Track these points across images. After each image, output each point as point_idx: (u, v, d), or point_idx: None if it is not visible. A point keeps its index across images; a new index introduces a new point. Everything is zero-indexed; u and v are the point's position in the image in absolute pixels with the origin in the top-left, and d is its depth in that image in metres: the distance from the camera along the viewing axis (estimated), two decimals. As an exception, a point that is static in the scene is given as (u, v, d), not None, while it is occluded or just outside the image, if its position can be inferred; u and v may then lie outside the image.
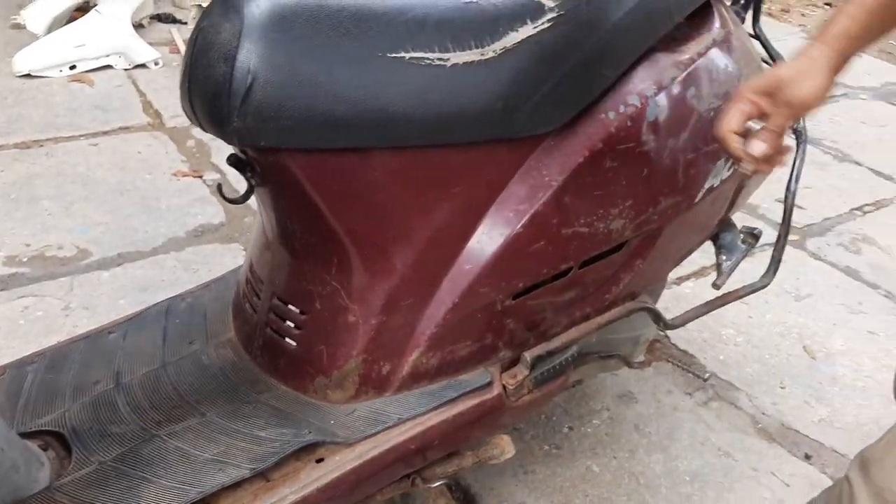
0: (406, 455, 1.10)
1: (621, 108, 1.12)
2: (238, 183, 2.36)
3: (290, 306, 1.13)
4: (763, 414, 1.84)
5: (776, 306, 2.23)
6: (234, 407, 1.12)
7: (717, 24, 1.25)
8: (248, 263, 1.23)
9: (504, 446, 1.22)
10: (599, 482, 1.60)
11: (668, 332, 2.06)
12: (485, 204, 1.08)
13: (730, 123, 1.02)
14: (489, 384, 1.15)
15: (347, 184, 1.01)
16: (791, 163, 1.42)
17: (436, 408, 1.12)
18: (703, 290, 2.23)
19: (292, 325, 1.14)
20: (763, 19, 1.45)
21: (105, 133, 2.73)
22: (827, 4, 5.42)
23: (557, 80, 1.04)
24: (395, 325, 1.09)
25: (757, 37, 1.42)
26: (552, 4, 1.02)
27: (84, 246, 2.20)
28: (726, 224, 1.44)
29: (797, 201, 2.72)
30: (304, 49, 0.92)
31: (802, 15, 5.29)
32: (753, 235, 1.42)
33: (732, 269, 1.38)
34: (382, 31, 0.95)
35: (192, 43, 0.94)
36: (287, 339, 1.14)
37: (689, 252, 1.34)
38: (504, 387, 1.16)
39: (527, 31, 1.01)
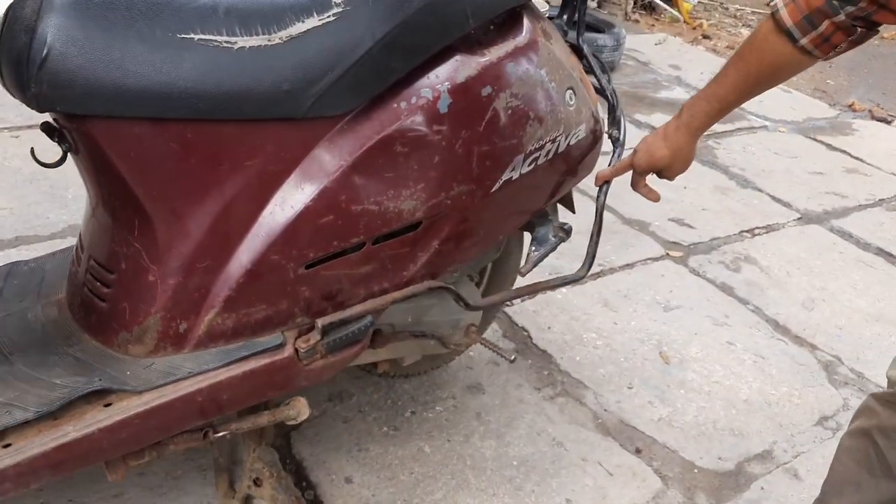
0: (194, 406, 1.18)
1: (413, 100, 1.23)
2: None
3: (102, 267, 1.23)
4: (605, 410, 1.95)
5: (643, 315, 2.34)
6: (42, 358, 1.21)
7: (523, 32, 1.37)
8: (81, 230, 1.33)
9: (300, 408, 1.31)
10: (428, 461, 1.69)
11: (529, 330, 2.17)
12: (279, 178, 1.19)
13: (637, 187, 1.48)
14: (281, 346, 1.24)
15: (144, 151, 1.11)
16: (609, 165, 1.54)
17: (227, 364, 1.21)
18: (575, 297, 2.35)
19: (102, 284, 1.23)
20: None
21: (29, 127, 2.82)
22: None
23: (344, 70, 1.15)
24: (192, 286, 1.19)
25: (580, 49, 1.54)
26: (338, 0, 1.13)
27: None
28: (542, 217, 1.55)
29: (688, 221, 2.87)
30: (98, 25, 1.02)
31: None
32: (564, 231, 1.53)
33: (539, 260, 1.49)
34: (174, 14, 1.06)
35: (4, 17, 1.04)
36: (97, 298, 1.24)
37: (496, 237, 1.44)
38: (296, 350, 1.25)
39: (312, 22, 1.12)
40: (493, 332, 2.15)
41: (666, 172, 1.42)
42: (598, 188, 1.54)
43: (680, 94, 4.38)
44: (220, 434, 1.26)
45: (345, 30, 1.14)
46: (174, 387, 1.18)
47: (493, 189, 1.34)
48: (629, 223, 2.87)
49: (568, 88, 1.44)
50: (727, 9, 7.03)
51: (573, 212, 1.74)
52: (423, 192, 1.27)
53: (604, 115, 1.59)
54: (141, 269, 1.19)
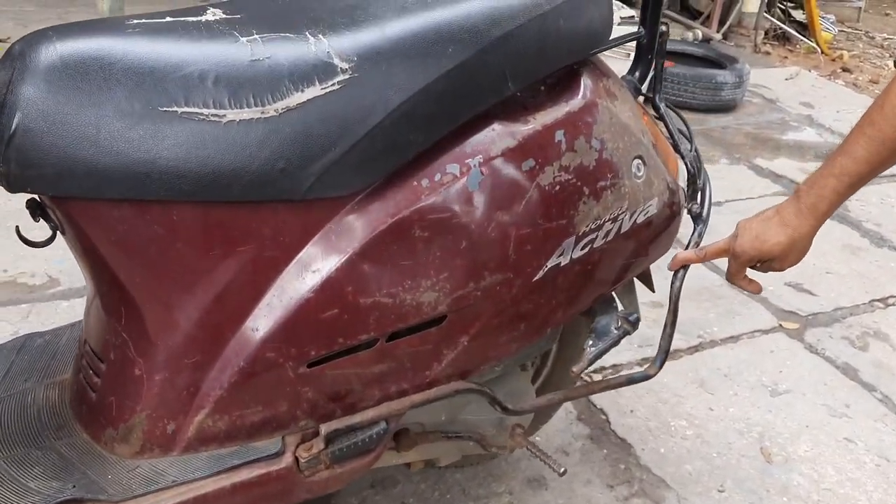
0: (176, 521, 1.05)
1: (436, 176, 1.06)
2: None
3: (95, 355, 1.12)
4: (688, 518, 1.68)
5: (745, 400, 2.05)
6: (25, 452, 1.11)
7: (579, 94, 1.17)
8: (89, 307, 1.24)
9: (304, 523, 1.15)
10: (471, 572, 1.49)
11: (608, 412, 1.93)
12: (276, 266, 1.04)
13: (737, 279, 1.32)
14: (279, 454, 1.09)
15: (126, 234, 0.99)
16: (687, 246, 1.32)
17: (216, 473, 1.07)
18: (665, 375, 2.09)
19: (94, 373, 1.12)
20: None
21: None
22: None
23: (350, 145, 0.99)
24: (180, 383, 1.06)
25: (658, 110, 1.33)
26: (345, 65, 0.98)
27: (56, 276, 2.28)
28: (605, 304, 1.33)
29: (808, 286, 2.54)
30: (72, 98, 0.91)
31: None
32: (630, 322, 1.30)
33: (596, 357, 1.27)
34: (156, 84, 0.93)
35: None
36: (90, 387, 1.13)
37: (542, 331, 1.23)
38: (297, 459, 1.09)
39: (314, 91, 0.97)
40: (565, 412, 1.93)
41: (776, 264, 1.22)
42: (672, 273, 1.31)
43: (810, 136, 3.99)
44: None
45: (352, 99, 0.98)
46: (154, 497, 1.05)
47: (536, 277, 1.15)
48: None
49: (635, 158, 1.22)
50: (872, 38, 6.49)
51: (652, 290, 1.51)
52: (447, 283, 1.09)
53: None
54: (128, 362, 1.07)
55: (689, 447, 1.87)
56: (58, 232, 1.05)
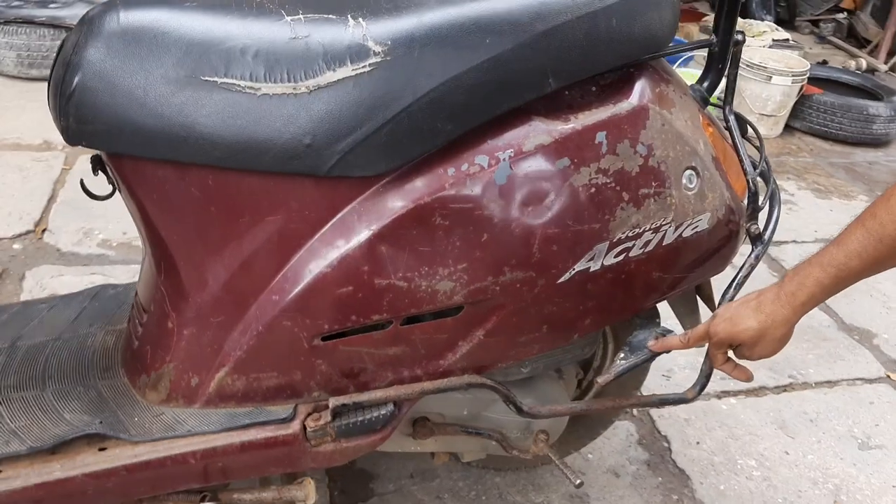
0: (185, 467, 1.11)
1: (464, 166, 1.06)
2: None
3: (141, 306, 1.21)
4: (736, 562, 1.59)
5: (828, 449, 1.90)
6: (71, 388, 1.20)
7: (630, 97, 1.14)
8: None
9: (308, 491, 1.18)
10: (489, 575, 1.47)
11: (672, 441, 1.85)
12: (300, 238, 1.08)
13: (717, 363, 1.19)
14: (287, 420, 1.13)
15: (167, 194, 1.06)
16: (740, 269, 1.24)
17: (227, 429, 1.12)
18: (744, 410, 1.97)
19: (139, 323, 1.20)
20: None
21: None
22: None
23: (375, 127, 1.01)
24: (205, 340, 1.12)
25: (727, 122, 1.26)
26: (378, 49, 1.01)
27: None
28: (648, 319, 1.28)
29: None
30: (125, 64, 0.99)
31: None
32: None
33: (624, 371, 1.22)
34: (200, 56, 1.00)
35: (59, 49, 1.06)
36: (134, 336, 1.21)
37: (568, 336, 1.20)
38: (304, 427, 1.13)
39: (345, 71, 1.00)
40: (627, 434, 1.86)
41: (746, 351, 1.11)
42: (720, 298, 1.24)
43: (969, 181, 3.63)
44: (211, 503, 1.17)
45: (380, 83, 1.01)
46: (169, 443, 1.11)
47: (562, 280, 1.12)
48: (848, 329, 2.38)
49: (688, 168, 1.17)
50: None
51: (712, 310, 1.44)
52: (465, 274, 1.09)
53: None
54: (163, 315, 1.15)
55: (753, 489, 1.76)
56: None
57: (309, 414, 1.14)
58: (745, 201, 1.25)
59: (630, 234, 1.14)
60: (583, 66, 1.10)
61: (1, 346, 1.30)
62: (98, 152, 1.12)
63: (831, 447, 1.91)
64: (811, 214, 3.12)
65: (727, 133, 1.27)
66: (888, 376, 2.20)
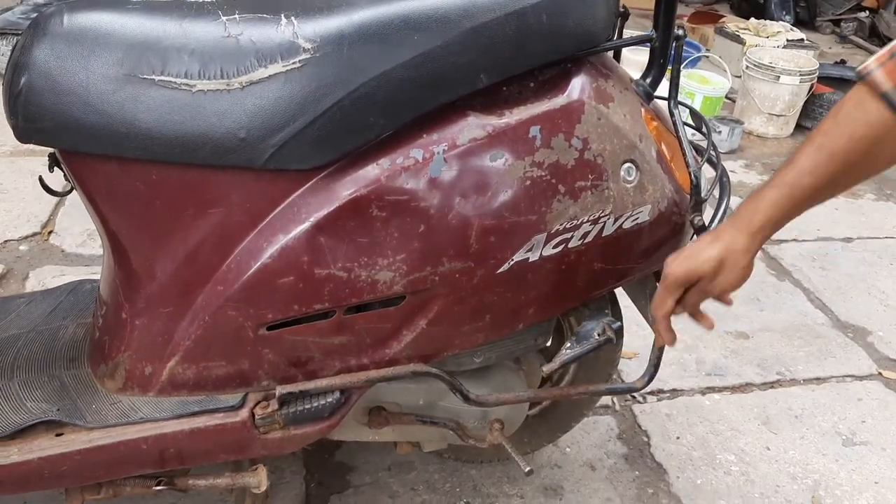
0: (138, 453, 1.15)
1: (399, 160, 1.09)
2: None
3: (101, 298, 1.26)
4: (704, 555, 1.59)
5: (811, 445, 1.89)
6: (36, 377, 1.26)
7: (567, 92, 1.16)
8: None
9: (261, 478, 1.22)
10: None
11: (652, 435, 1.85)
12: (242, 230, 1.11)
13: (660, 310, 1.10)
14: (235, 408, 1.17)
15: (114, 189, 1.11)
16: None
17: (178, 416, 1.16)
18: (728, 406, 1.97)
19: (100, 315, 1.25)
20: None
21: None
22: None
23: (308, 121, 1.05)
24: (156, 329, 1.16)
25: (672, 116, 1.27)
26: (308, 45, 1.04)
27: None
28: (597, 309, 1.30)
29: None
30: (68, 64, 1.03)
31: None
32: (613, 330, 1.26)
33: (568, 361, 1.23)
34: (139, 54, 1.04)
35: (11, 51, 1.12)
36: (96, 326, 1.26)
37: (512, 325, 1.22)
38: (253, 415, 1.16)
39: (276, 68, 1.04)
40: (606, 428, 1.87)
41: (706, 285, 1.05)
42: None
43: None
44: (165, 487, 1.21)
45: (311, 78, 1.04)
46: (122, 430, 1.16)
47: (500, 270, 1.15)
48: (842, 327, 2.36)
49: (626, 161, 1.19)
50: None
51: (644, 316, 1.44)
52: (404, 264, 1.12)
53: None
54: (118, 306, 1.19)
55: (731, 483, 1.75)
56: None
57: (258, 402, 1.18)
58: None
59: (568, 226, 1.16)
60: (514, 62, 1.12)
61: (-25, 338, 1.36)
62: (52, 150, 1.17)
63: (814, 443, 1.89)
64: (815, 212, 3.07)
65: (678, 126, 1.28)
66: (880, 373, 2.17)
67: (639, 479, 1.75)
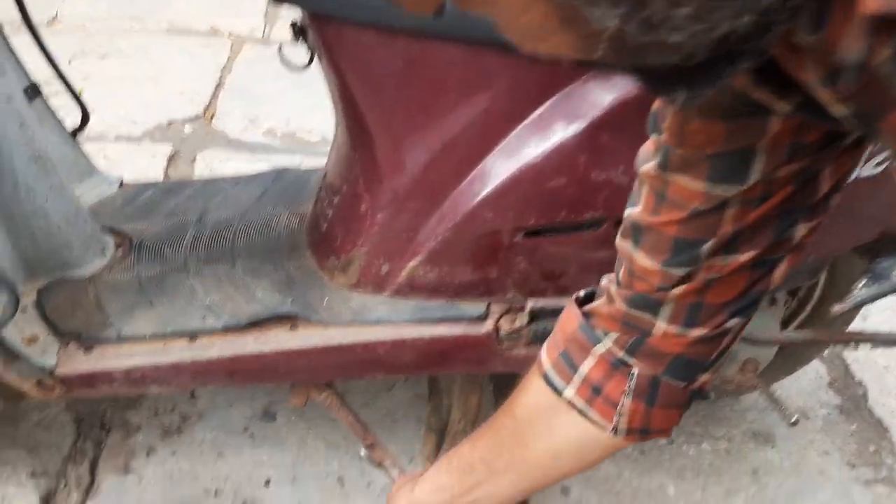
0: (373, 357, 1.07)
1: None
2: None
3: (331, 186, 1.16)
4: (944, 524, 1.42)
5: None
6: (260, 266, 1.18)
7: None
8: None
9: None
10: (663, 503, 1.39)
11: (868, 386, 1.67)
12: (509, 122, 0.98)
13: None
14: (479, 319, 1.06)
15: (371, 63, 0.99)
16: None
17: (418, 322, 1.07)
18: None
19: (328, 204, 1.16)
20: None
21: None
22: None
23: None
24: (398, 226, 1.06)
25: None
26: None
27: (327, 136, 2.43)
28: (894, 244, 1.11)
29: None
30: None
31: None
32: (908, 271, 1.08)
33: (865, 302, 1.07)
34: None
35: None
36: (322, 217, 1.17)
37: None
38: (497, 329, 1.06)
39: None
40: (816, 375, 1.70)
41: None
42: None
43: None
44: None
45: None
46: (359, 329, 1.07)
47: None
48: None
49: None
50: None
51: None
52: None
53: None
54: (357, 197, 1.09)
55: (965, 450, 1.57)
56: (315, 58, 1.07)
57: (503, 314, 1.07)
58: None
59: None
60: None
61: (189, 218, 1.29)
62: (297, 20, 1.06)
63: None
64: None
65: None
66: None
67: (857, 434, 1.58)
